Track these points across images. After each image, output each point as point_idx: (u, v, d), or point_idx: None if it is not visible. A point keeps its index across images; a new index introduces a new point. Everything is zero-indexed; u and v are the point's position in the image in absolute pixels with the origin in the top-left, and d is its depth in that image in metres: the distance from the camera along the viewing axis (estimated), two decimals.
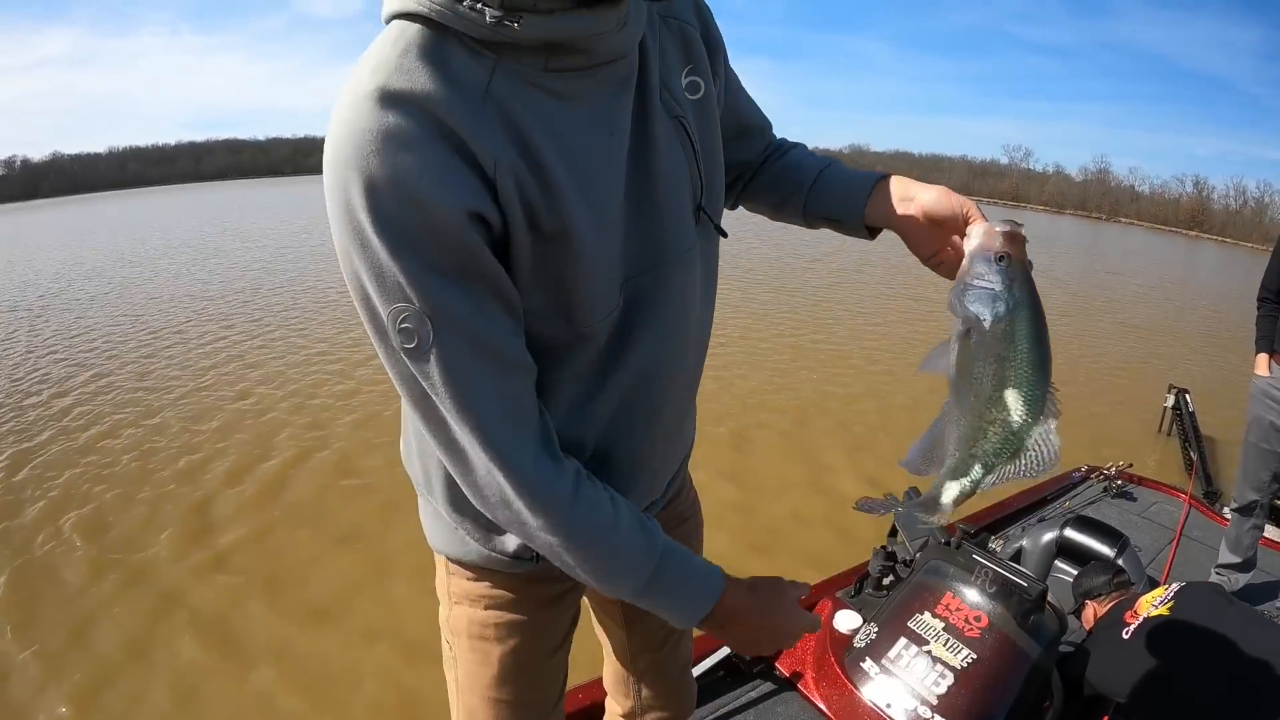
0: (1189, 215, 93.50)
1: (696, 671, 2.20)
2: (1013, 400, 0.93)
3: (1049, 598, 2.12)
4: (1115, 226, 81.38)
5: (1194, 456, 6.20)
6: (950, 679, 1.95)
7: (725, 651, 2.29)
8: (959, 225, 1.03)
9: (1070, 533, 2.91)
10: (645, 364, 1.06)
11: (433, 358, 0.84)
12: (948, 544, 2.25)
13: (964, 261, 0.95)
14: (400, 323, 0.83)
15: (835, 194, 1.22)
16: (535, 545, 0.97)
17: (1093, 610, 2.38)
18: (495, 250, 0.85)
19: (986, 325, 0.92)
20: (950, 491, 0.99)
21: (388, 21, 0.86)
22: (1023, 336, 0.92)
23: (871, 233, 1.19)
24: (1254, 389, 3.38)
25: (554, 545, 0.95)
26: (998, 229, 0.93)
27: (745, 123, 1.27)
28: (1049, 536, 2.94)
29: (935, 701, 1.93)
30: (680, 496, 1.44)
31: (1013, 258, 0.91)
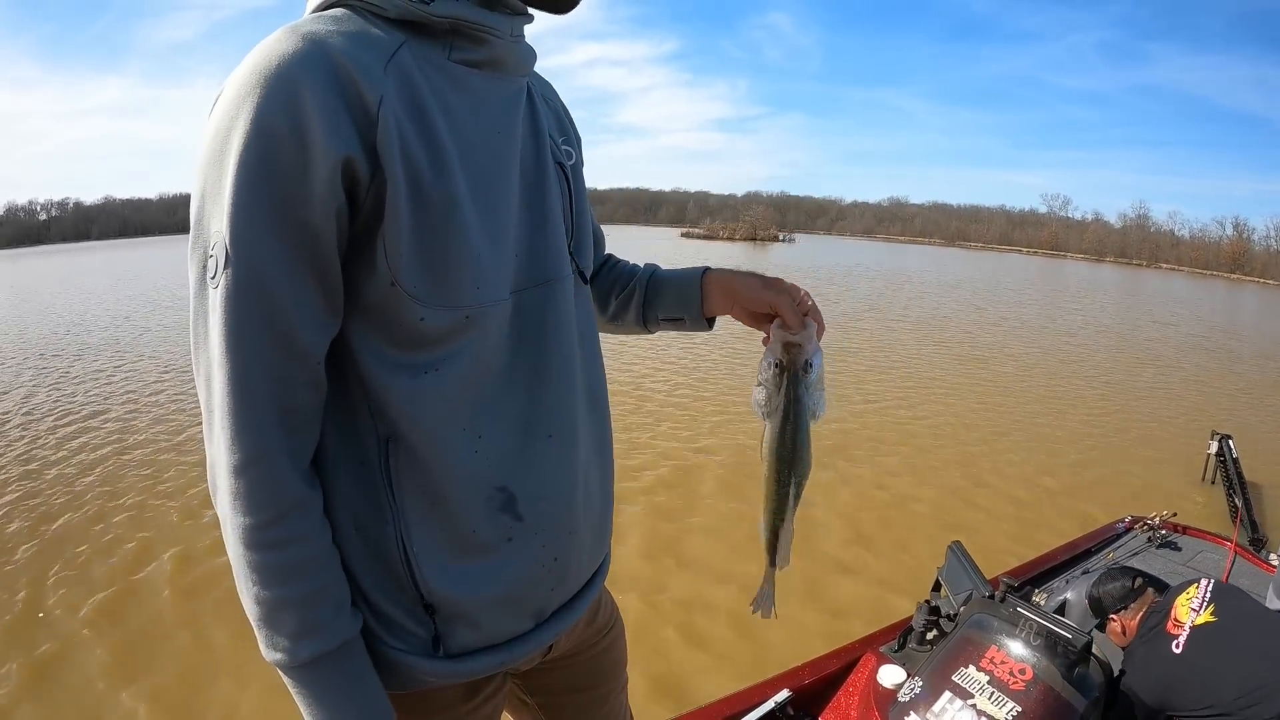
0: (1230, 258, 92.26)
1: None
2: (768, 486, 1.12)
3: (1094, 650, 2.14)
4: (1156, 273, 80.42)
5: (1238, 503, 6.11)
6: None
7: (770, 705, 2.31)
8: (776, 310, 1.14)
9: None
10: (541, 390, 1.03)
11: (218, 294, 0.81)
12: (991, 597, 2.27)
13: (761, 358, 1.11)
14: (213, 247, 0.81)
15: (670, 299, 1.33)
16: (227, 545, 0.89)
17: (1120, 625, 2.36)
18: (360, 212, 0.86)
19: (760, 416, 1.10)
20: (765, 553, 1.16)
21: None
22: (770, 438, 1.09)
23: (710, 324, 1.32)
24: None
25: (239, 557, 0.87)
26: (781, 338, 1.08)
27: (593, 230, 1.30)
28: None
29: None
30: (602, 610, 1.37)
31: (785, 363, 1.06)
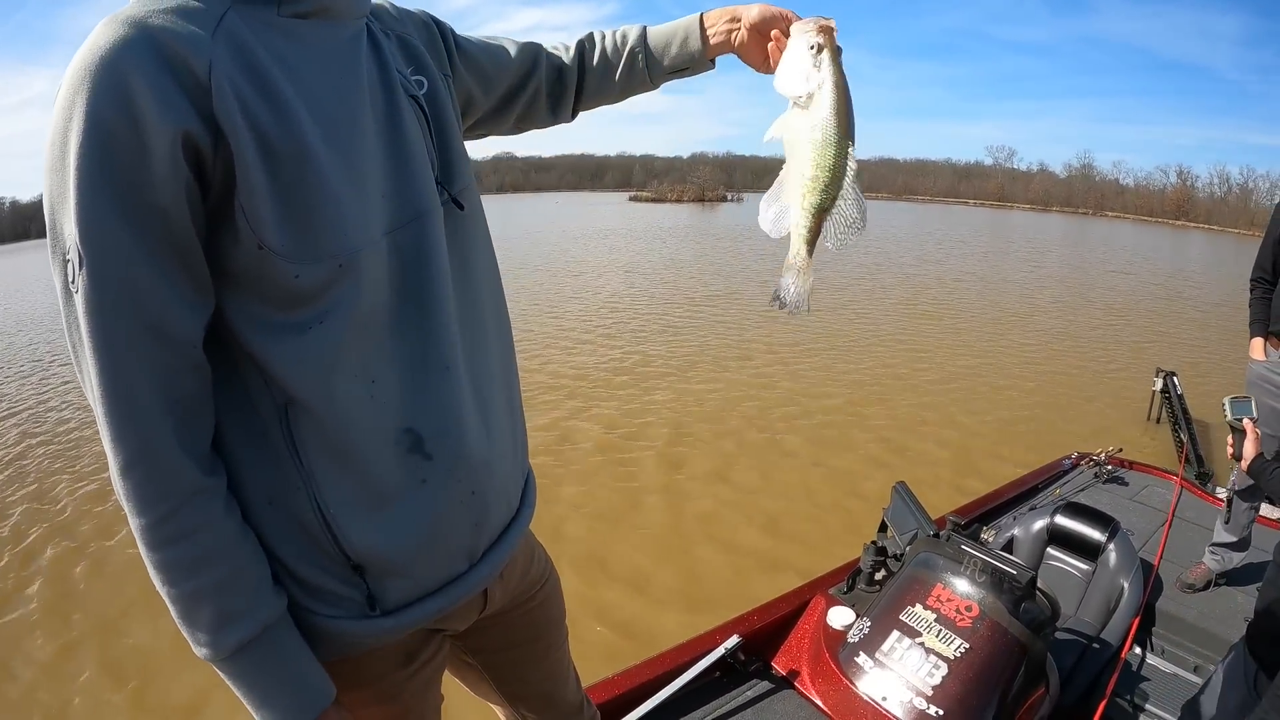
0: (1174, 206, 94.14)
1: (692, 673, 2.20)
2: (824, 158, 1.08)
3: (1039, 584, 2.14)
4: (1102, 221, 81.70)
5: (1184, 439, 6.21)
6: (944, 669, 1.96)
7: (721, 651, 2.29)
8: (783, 26, 1.22)
9: (1061, 519, 2.92)
10: (430, 325, 1.01)
11: (80, 299, 0.79)
12: (936, 536, 2.26)
13: (787, 49, 1.14)
14: (68, 252, 0.79)
15: (674, 52, 1.36)
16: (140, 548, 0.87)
17: None
18: (211, 183, 0.83)
19: (803, 98, 1.10)
20: (797, 247, 1.13)
21: None
22: (828, 102, 1.08)
23: (712, 64, 1.37)
24: (1250, 374, 3.36)
25: (147, 555, 0.86)
26: (812, 24, 1.11)
27: (498, 57, 1.33)
28: (1040, 524, 2.95)
29: (930, 692, 1.94)
30: (535, 563, 1.36)
31: (824, 45, 1.09)
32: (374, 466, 0.95)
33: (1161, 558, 2.99)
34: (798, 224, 1.12)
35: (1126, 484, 3.97)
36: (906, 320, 12.99)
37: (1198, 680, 2.57)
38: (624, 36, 1.40)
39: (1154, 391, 7.18)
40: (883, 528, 2.66)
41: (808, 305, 1.15)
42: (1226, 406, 2.21)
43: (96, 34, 0.77)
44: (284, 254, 0.85)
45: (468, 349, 1.07)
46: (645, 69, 1.38)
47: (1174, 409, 6.48)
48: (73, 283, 0.79)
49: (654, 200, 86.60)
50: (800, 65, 1.10)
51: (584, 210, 60.65)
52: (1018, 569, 2.06)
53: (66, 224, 0.78)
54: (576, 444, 6.89)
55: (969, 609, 2.05)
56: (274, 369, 0.89)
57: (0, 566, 5.14)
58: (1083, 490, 3.81)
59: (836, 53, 1.10)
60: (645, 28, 1.40)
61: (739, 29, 1.28)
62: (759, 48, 1.27)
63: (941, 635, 2.02)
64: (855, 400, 8.22)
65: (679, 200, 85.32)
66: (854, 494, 5.71)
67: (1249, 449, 2.13)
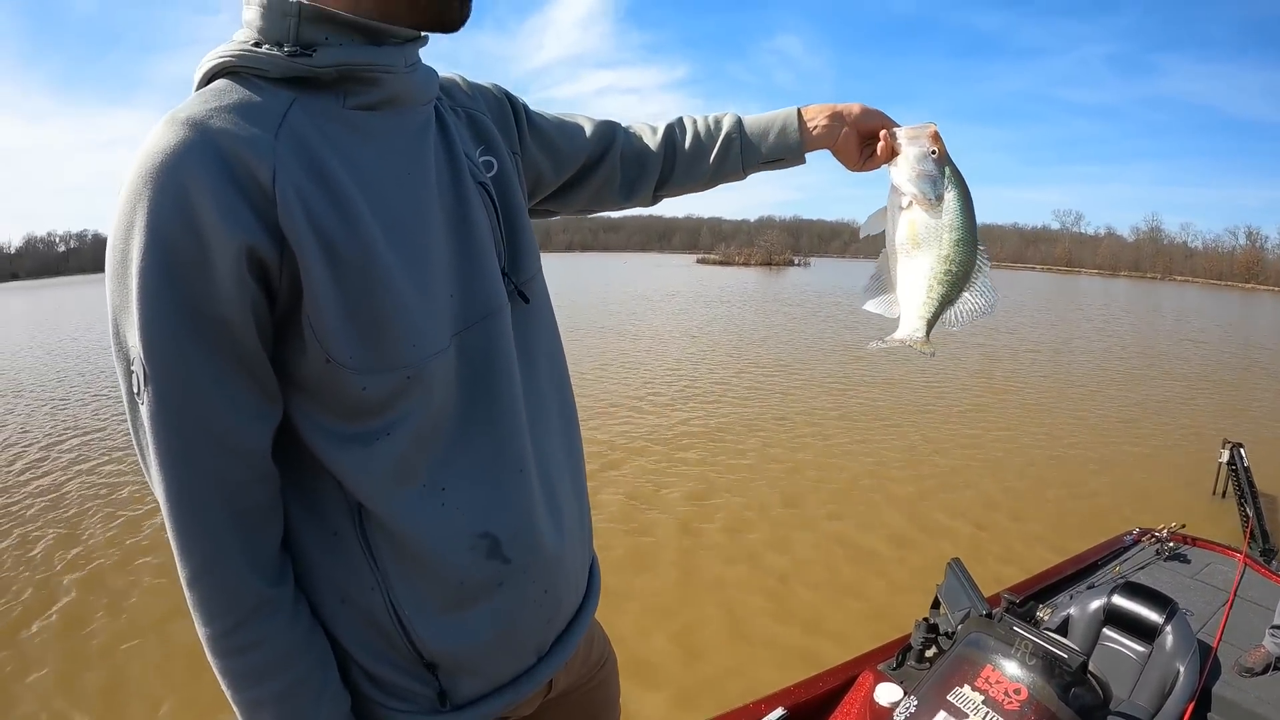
0: (1244, 268, 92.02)
1: None
2: (958, 254, 1.17)
3: (1090, 668, 2.12)
4: (1170, 285, 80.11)
5: (1249, 513, 6.03)
6: None
7: (777, 715, 2.30)
8: (886, 126, 1.24)
9: (1118, 600, 2.87)
10: (500, 427, 1.00)
11: (145, 411, 0.80)
12: (989, 616, 2.25)
13: (903, 155, 1.19)
14: (133, 363, 0.79)
15: (771, 142, 1.36)
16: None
17: None
18: (276, 295, 0.83)
19: (933, 200, 1.17)
20: (915, 326, 1.20)
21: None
22: (960, 208, 1.17)
23: (804, 158, 1.38)
24: None
25: (214, 663, 0.88)
26: (924, 131, 1.18)
27: (573, 135, 1.32)
28: (1096, 604, 2.90)
29: None
30: (595, 644, 1.34)
31: (939, 151, 1.17)
32: (451, 570, 0.94)
33: (1221, 639, 2.92)
34: (921, 311, 1.20)
35: (1189, 561, 3.87)
36: (975, 390, 12.82)
37: None
38: (718, 123, 1.39)
39: (1220, 464, 7.00)
40: (936, 604, 2.66)
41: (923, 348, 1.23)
42: None
43: (157, 135, 0.77)
44: (352, 367, 0.85)
45: (537, 444, 1.05)
46: (740, 157, 1.38)
47: (1240, 482, 6.29)
48: (138, 394, 0.79)
49: (721, 263, 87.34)
50: (925, 169, 1.17)
51: (651, 271, 61.03)
52: (1069, 653, 2.05)
53: (130, 335, 0.78)
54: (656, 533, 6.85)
55: (1018, 692, 2.03)
56: (343, 477, 0.89)
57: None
58: (1143, 568, 3.73)
59: (948, 157, 1.19)
60: (740, 117, 1.39)
61: (843, 126, 1.31)
62: (858, 146, 1.30)
63: (988, 718, 2.01)
64: (920, 470, 8.10)
65: (746, 264, 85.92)
66: (911, 564, 5.63)
67: None
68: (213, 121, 0.78)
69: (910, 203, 1.18)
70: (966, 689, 2.09)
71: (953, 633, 2.48)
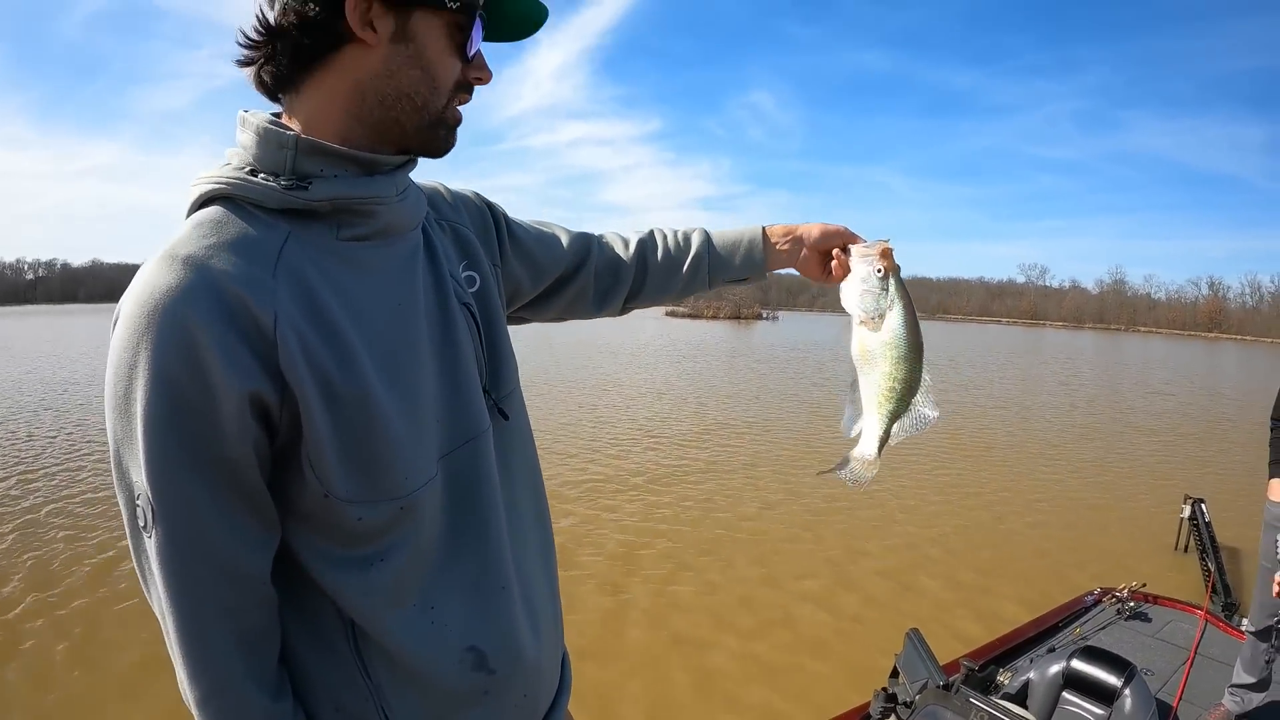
0: (1207, 318, 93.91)
1: None
2: (899, 371, 1.21)
3: None
4: (1135, 336, 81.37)
5: (1211, 568, 6.10)
6: None
7: None
8: (842, 244, 1.32)
9: (1076, 664, 2.89)
10: (485, 547, 1.04)
11: (152, 545, 0.83)
12: (946, 687, 2.28)
13: (852, 273, 1.25)
14: (138, 498, 0.82)
15: (737, 262, 1.43)
16: None
17: None
18: (277, 436, 0.86)
19: (876, 318, 1.22)
20: (869, 445, 1.24)
21: (189, 215, 0.90)
22: (901, 323, 1.21)
23: (767, 275, 1.46)
24: (1268, 514, 3.38)
25: None
26: (874, 248, 1.24)
27: (551, 246, 1.36)
28: (1055, 668, 2.92)
29: None
30: None
31: (887, 268, 1.22)
32: (440, 682, 0.98)
33: (1181, 699, 2.95)
34: (872, 428, 1.24)
35: (1150, 620, 3.92)
36: (943, 449, 12.85)
37: None
38: (688, 239, 1.46)
39: (1182, 519, 7.09)
40: (895, 673, 2.68)
41: (867, 485, 1.28)
42: None
43: (157, 273, 0.79)
44: (348, 499, 0.89)
45: (517, 558, 1.10)
46: (708, 275, 1.44)
47: (1202, 537, 6.37)
48: (145, 528, 0.83)
49: (691, 316, 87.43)
50: (869, 288, 1.23)
51: (621, 323, 60.97)
52: None
53: (134, 470, 0.81)
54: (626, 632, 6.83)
55: None
56: (339, 598, 0.93)
57: None
58: (1104, 628, 3.76)
59: (899, 274, 1.23)
60: (709, 233, 1.46)
61: (803, 248, 1.38)
62: (820, 265, 1.37)
63: None
64: (875, 534, 8.10)
65: (715, 317, 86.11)
66: (867, 632, 5.60)
67: None
68: (214, 262, 0.81)
69: (859, 320, 1.24)
70: None
71: (911, 703, 2.50)
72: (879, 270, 1.22)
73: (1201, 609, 3.94)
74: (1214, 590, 5.84)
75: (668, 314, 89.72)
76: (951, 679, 2.33)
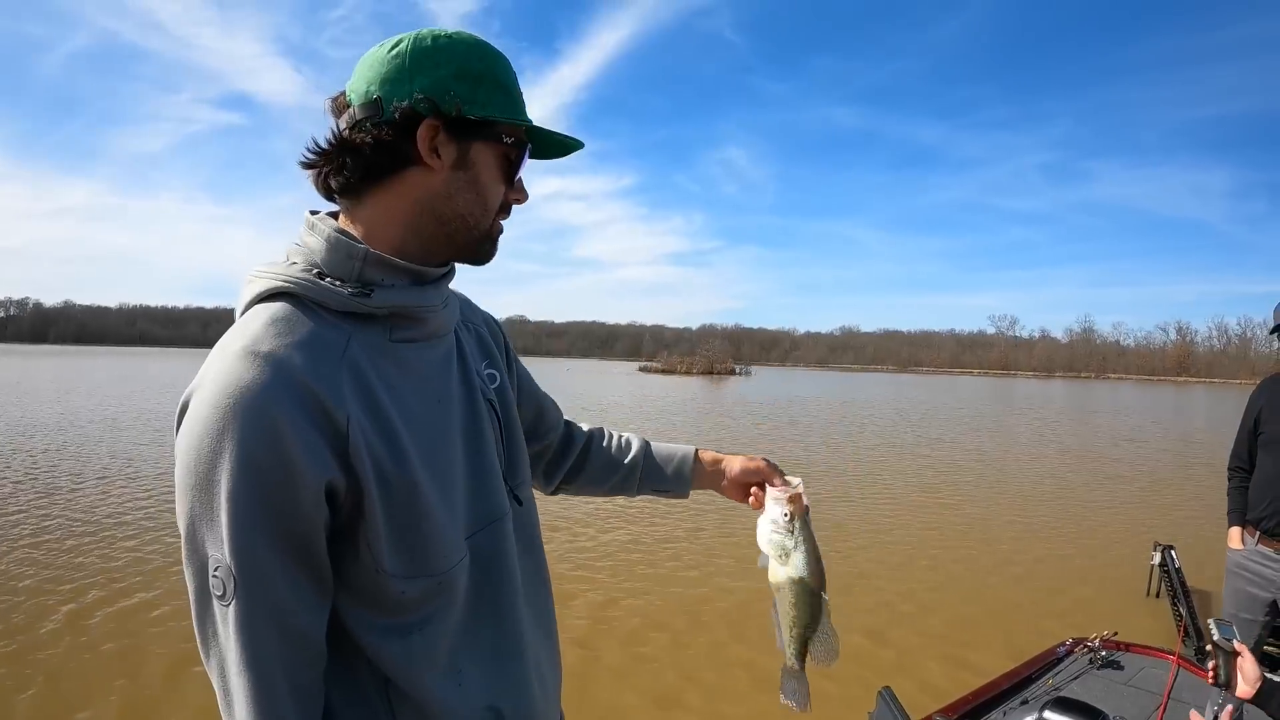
0: (1175, 363, 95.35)
1: None
2: (801, 607, 1.35)
3: None
4: (1105, 383, 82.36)
5: (1182, 613, 6.14)
6: None
7: None
8: (759, 482, 1.47)
9: (1049, 714, 2.91)
10: (504, 619, 1.17)
11: (230, 611, 0.90)
12: None
13: (765, 512, 1.40)
14: (215, 570, 0.90)
15: (667, 475, 1.57)
16: None
17: None
18: (341, 520, 0.96)
19: (782, 556, 1.35)
20: (791, 660, 1.37)
21: (247, 308, 1.01)
22: (804, 565, 1.34)
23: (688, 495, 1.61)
24: (1229, 562, 3.47)
25: None
26: (782, 493, 1.39)
27: (542, 402, 1.52)
28: None
29: None
30: None
31: (793, 512, 1.36)
32: None
33: None
34: (789, 647, 1.37)
35: (1122, 668, 3.92)
36: (915, 502, 12.94)
37: None
38: (629, 443, 1.60)
39: (1152, 566, 7.14)
40: None
41: (808, 705, 1.40)
42: (1213, 627, 2.18)
43: (239, 367, 0.88)
44: (396, 574, 0.99)
45: (529, 628, 1.22)
46: (638, 482, 1.58)
47: (1172, 583, 6.41)
48: (224, 598, 0.90)
49: (664, 371, 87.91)
50: (778, 528, 1.37)
51: (594, 379, 60.86)
52: None
53: (212, 545, 0.89)
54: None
55: None
56: (379, 660, 1.02)
57: None
58: (1077, 678, 3.76)
59: (805, 515, 1.38)
60: (648, 443, 1.61)
61: (724, 479, 1.54)
62: (740, 495, 1.51)
63: None
64: (844, 589, 8.10)
65: (688, 373, 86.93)
66: (839, 689, 5.50)
67: (1251, 671, 2.02)
68: (293, 359, 0.91)
69: (770, 556, 1.38)
70: None
71: None
72: (787, 514, 1.37)
73: (1174, 654, 3.95)
74: (1185, 635, 5.86)
75: (640, 370, 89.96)
76: None
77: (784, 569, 1.35)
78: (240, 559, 0.88)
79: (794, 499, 1.38)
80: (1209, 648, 2.12)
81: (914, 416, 31.17)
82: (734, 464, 1.53)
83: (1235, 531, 3.48)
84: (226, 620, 0.91)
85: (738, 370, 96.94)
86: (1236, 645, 2.05)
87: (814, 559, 1.36)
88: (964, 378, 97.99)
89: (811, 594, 1.35)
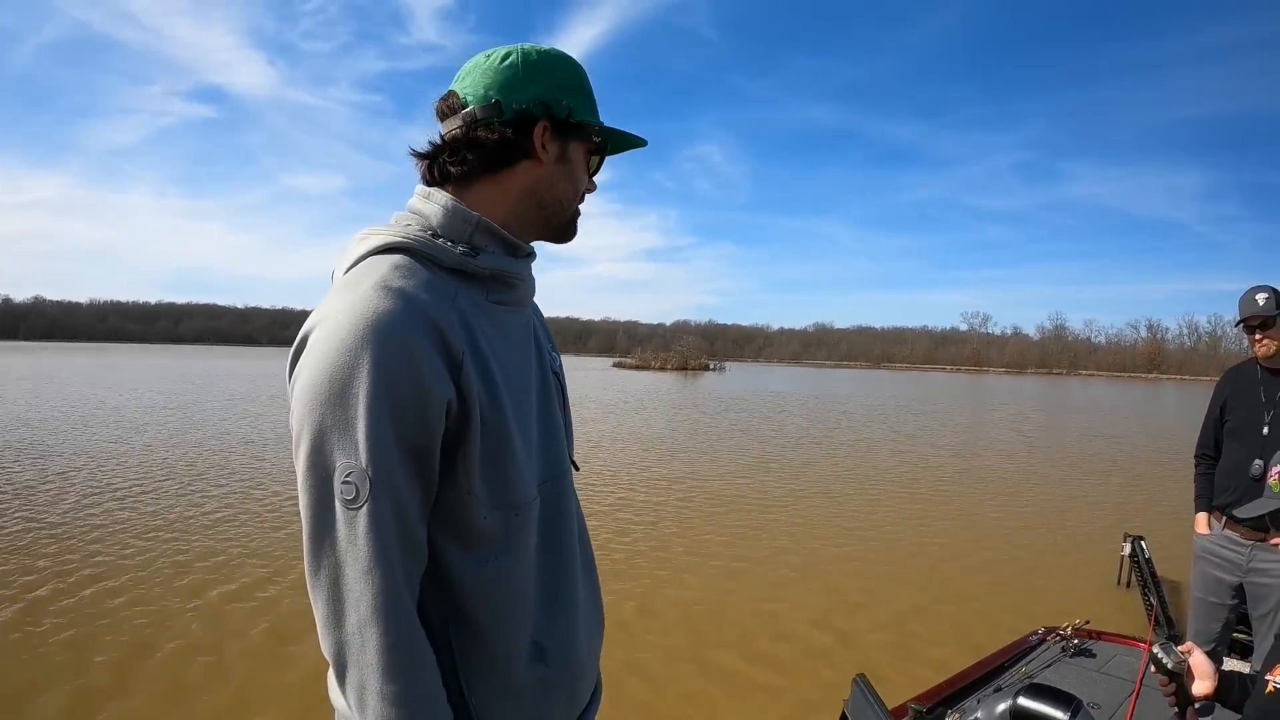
0: (1146, 359, 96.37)
1: None
2: None
3: None
4: (1076, 380, 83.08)
5: (1153, 601, 6.21)
6: None
7: None
8: None
9: (1023, 701, 2.92)
10: (564, 565, 1.30)
11: (362, 513, 0.99)
12: None
13: None
14: (346, 477, 0.99)
15: None
16: (364, 709, 1.05)
17: None
18: (450, 440, 1.07)
19: None
20: None
21: (359, 260, 1.14)
22: None
23: None
24: (1196, 547, 3.54)
25: (387, 715, 1.03)
26: None
27: None
28: (1002, 707, 2.94)
29: None
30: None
31: None
32: (509, 668, 1.19)
33: None
34: None
35: (1094, 655, 3.95)
36: (879, 500, 13.00)
37: None
38: None
39: (1123, 556, 7.23)
40: (843, 719, 2.69)
41: None
42: (1160, 653, 2.08)
43: (375, 297, 1.01)
44: (481, 500, 1.11)
45: (581, 580, 1.35)
46: None
47: (1143, 573, 6.47)
48: (354, 502, 1.00)
49: (638, 367, 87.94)
50: None
51: (569, 375, 59.99)
52: None
53: (343, 451, 0.99)
54: None
55: None
56: (452, 588, 1.13)
57: None
58: (1049, 666, 3.79)
59: None
60: None
61: None
62: None
63: None
64: (824, 581, 8.17)
65: (663, 368, 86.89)
66: (813, 683, 5.54)
67: (1205, 666, 2.00)
68: (421, 296, 1.05)
69: None
70: None
71: None
72: None
73: (1145, 642, 3.98)
74: (1157, 623, 5.90)
75: (614, 365, 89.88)
76: None
77: None
78: (376, 460, 0.99)
79: None
80: (1159, 675, 2.06)
81: (887, 412, 31.44)
82: None
83: (1202, 517, 3.55)
84: (355, 524, 1.00)
85: (711, 366, 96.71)
86: (1181, 651, 2.03)
87: None
88: (937, 374, 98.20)
89: None
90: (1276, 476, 1.94)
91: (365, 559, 1.00)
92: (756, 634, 6.37)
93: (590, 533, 1.48)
